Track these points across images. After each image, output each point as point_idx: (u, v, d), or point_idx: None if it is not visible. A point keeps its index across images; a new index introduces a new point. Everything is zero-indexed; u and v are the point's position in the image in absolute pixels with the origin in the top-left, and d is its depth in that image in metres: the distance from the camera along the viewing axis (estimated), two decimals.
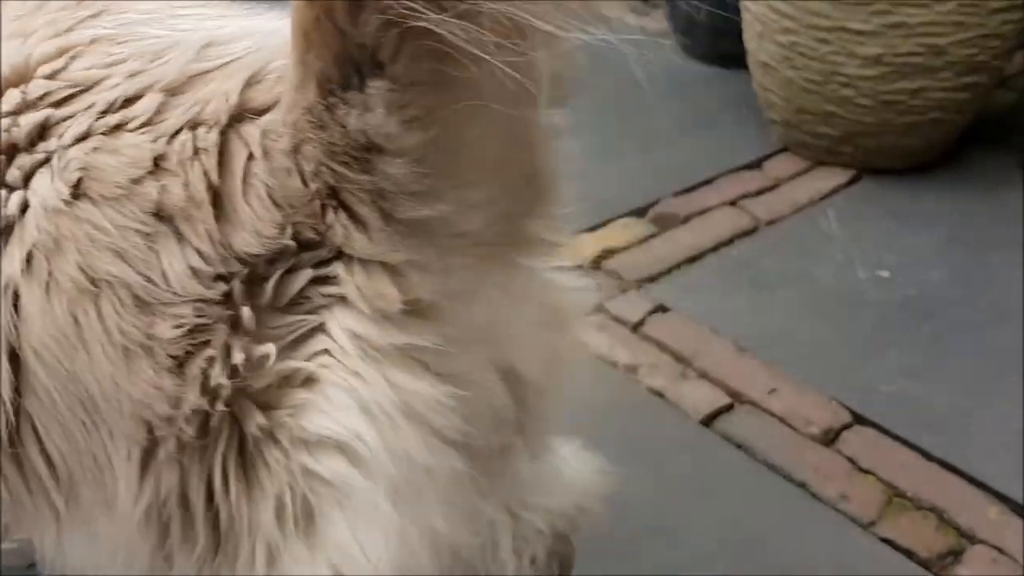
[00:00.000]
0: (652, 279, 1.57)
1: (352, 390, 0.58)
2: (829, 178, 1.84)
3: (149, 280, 0.57)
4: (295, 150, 0.56)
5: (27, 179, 0.60)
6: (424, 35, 0.52)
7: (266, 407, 0.58)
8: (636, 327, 1.46)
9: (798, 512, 1.15)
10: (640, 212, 1.75)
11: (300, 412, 0.58)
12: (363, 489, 0.59)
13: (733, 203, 1.78)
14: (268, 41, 0.63)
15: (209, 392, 0.57)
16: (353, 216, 0.57)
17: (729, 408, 1.30)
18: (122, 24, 0.66)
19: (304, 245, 0.58)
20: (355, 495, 0.59)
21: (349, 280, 0.58)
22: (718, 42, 2.26)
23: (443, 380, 0.60)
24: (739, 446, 1.24)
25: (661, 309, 1.49)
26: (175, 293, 0.57)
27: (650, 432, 1.26)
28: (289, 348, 0.58)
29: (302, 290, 0.58)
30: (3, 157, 0.61)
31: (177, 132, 0.59)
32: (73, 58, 0.63)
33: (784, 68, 1.82)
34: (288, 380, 0.58)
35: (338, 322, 0.58)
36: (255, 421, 0.58)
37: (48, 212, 0.58)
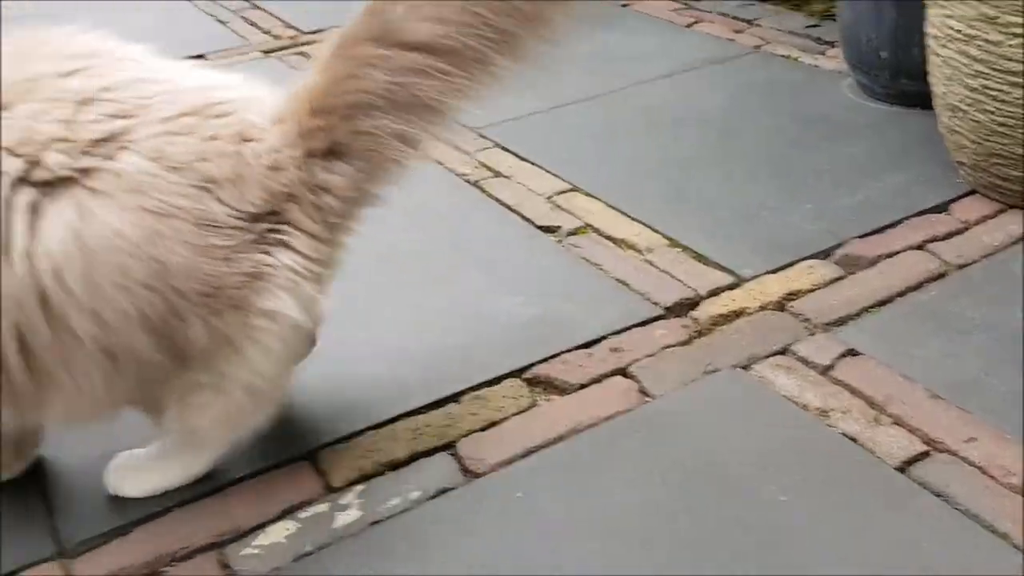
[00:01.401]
0: (840, 322, 1.59)
1: (285, 288, 1.11)
2: (1021, 222, 1.81)
3: (203, 212, 1.04)
4: (275, 168, 1.10)
5: (111, 157, 1.02)
6: (383, 152, 1.13)
7: (242, 287, 1.08)
8: (826, 371, 1.49)
9: (1001, 564, 1.16)
10: (825, 254, 1.77)
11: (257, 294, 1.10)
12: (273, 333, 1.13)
13: (920, 247, 1.77)
14: (250, 93, 1.16)
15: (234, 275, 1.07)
16: (302, 210, 1.12)
17: (925, 455, 1.32)
18: (146, 70, 1.14)
19: (274, 213, 1.10)
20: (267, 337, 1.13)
21: (293, 235, 1.11)
22: (898, 81, 2.26)
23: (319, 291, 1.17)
24: (938, 494, 1.25)
25: (851, 353, 1.52)
26: (217, 221, 1.05)
27: (844, 476, 1.29)
28: (259, 260, 1.09)
29: (267, 232, 1.10)
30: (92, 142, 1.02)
31: (211, 139, 1.07)
32: (119, 90, 1.07)
33: (974, 111, 1.81)
34: (254, 276, 1.09)
35: (280, 255, 1.10)
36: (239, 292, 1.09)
37: (139, 171, 1.02)
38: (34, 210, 1.00)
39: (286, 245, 1.11)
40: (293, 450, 1.38)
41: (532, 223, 1.95)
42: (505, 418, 1.44)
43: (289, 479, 1.34)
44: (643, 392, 1.48)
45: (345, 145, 1.12)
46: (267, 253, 1.10)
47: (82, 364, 1.07)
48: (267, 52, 3.01)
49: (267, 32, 3.18)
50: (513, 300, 1.70)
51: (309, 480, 1.34)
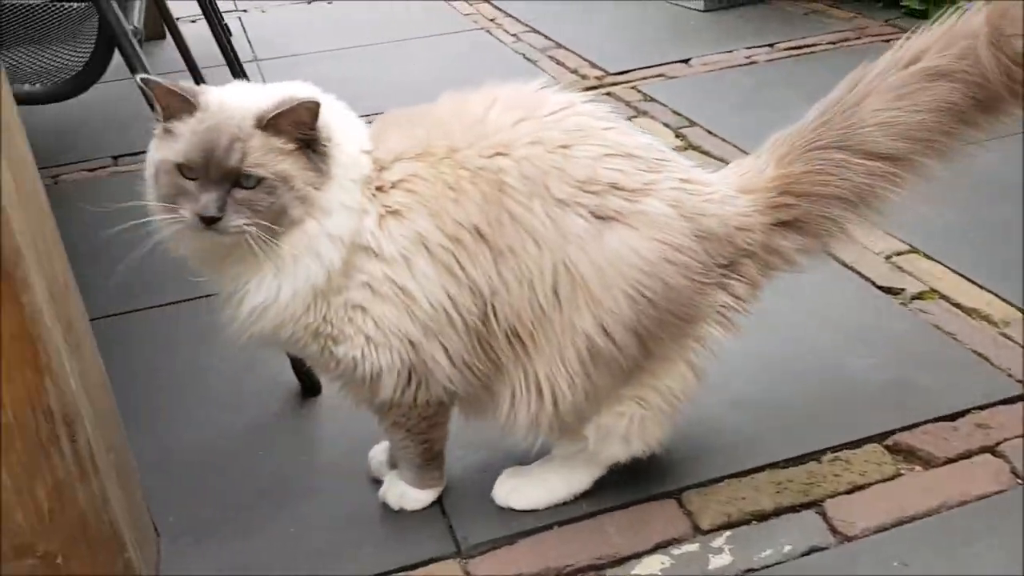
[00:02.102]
0: None
1: (719, 322, 1.35)
2: None
3: (697, 254, 1.26)
4: (744, 229, 1.30)
5: (640, 200, 1.25)
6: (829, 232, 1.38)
7: (699, 318, 1.32)
8: None
9: None
10: None
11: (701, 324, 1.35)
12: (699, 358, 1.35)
13: None
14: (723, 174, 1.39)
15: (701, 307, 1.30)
16: (754, 264, 1.33)
17: None
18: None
19: (732, 264, 1.32)
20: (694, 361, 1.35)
21: (738, 282, 1.34)
22: None
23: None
24: None
25: None
26: (703, 263, 1.27)
27: None
28: (715, 298, 1.32)
29: (722, 277, 1.31)
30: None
31: (706, 200, 1.29)
32: (643, 150, 1.29)
33: None
34: (709, 310, 1.33)
35: (725, 296, 1.33)
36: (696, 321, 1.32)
37: (661, 214, 1.24)
38: (595, 234, 1.22)
39: (730, 289, 1.32)
40: (659, 487, 1.44)
41: (872, 283, 1.93)
42: (869, 483, 1.43)
43: (657, 514, 1.40)
44: (1015, 474, 1.42)
45: (804, 223, 1.34)
46: (720, 293, 1.31)
47: (563, 362, 1.25)
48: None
49: (574, 71, 3.33)
50: (864, 362, 1.69)
51: (676, 518, 1.40)
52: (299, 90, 1.21)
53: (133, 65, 1.49)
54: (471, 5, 4.28)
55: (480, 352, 1.26)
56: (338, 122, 1.22)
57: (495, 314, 1.23)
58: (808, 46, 3.34)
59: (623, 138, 1.28)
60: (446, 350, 1.24)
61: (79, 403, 1.09)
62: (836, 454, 1.49)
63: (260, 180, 1.14)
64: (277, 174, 1.14)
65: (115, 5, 1.44)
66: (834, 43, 3.35)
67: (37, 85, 1.60)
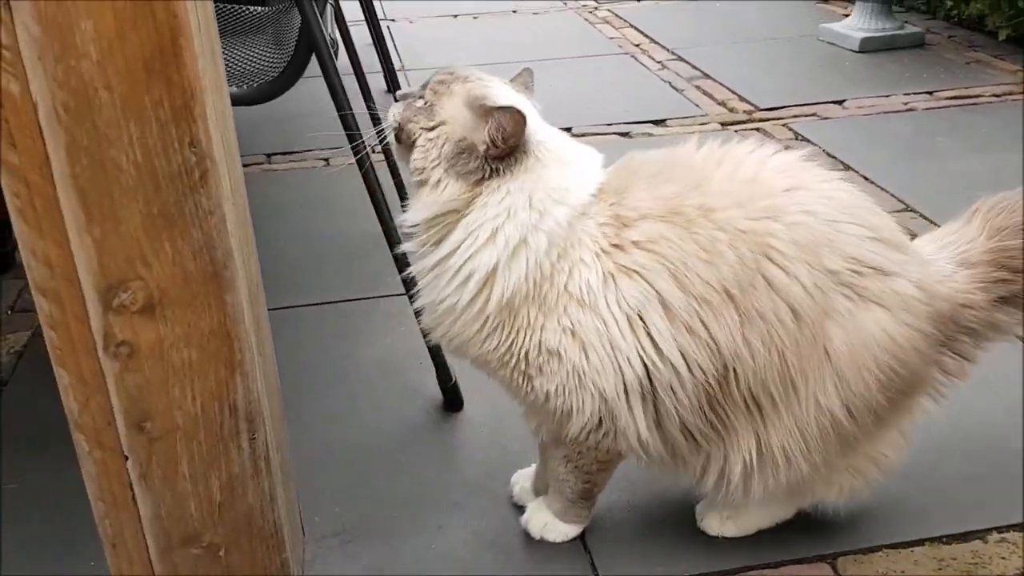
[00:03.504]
0: None
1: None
2: None
3: (935, 336, 1.26)
4: (967, 307, 1.29)
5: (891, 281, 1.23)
6: None
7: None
8: None
9: None
10: None
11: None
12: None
13: None
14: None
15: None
16: (971, 339, 1.33)
17: None
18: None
19: (949, 339, 1.31)
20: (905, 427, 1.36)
21: (952, 357, 1.33)
22: None
23: None
24: None
25: None
26: (931, 343, 1.26)
27: None
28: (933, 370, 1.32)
29: (940, 349, 1.30)
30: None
31: (939, 282, 1.27)
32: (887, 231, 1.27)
33: None
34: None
35: (947, 365, 1.34)
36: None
37: (911, 296, 1.23)
38: (854, 312, 1.21)
39: (944, 367, 1.32)
40: (814, 548, 1.39)
41: None
42: None
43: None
44: None
45: (1018, 297, 1.32)
46: (938, 363, 1.31)
47: (803, 435, 1.22)
48: (724, 124, 3.11)
49: (722, 104, 3.28)
50: None
51: None
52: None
53: (327, 69, 1.53)
54: (617, 30, 4.27)
55: (705, 412, 1.22)
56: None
57: (736, 377, 1.20)
58: (971, 96, 3.20)
59: (879, 219, 1.26)
60: (659, 409, 1.21)
61: (261, 402, 1.11)
62: (1003, 535, 1.41)
63: None
64: None
65: (317, 10, 1.48)
66: (998, 95, 3.20)
67: (244, 87, 1.66)
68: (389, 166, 2.18)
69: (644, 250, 1.18)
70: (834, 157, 2.75)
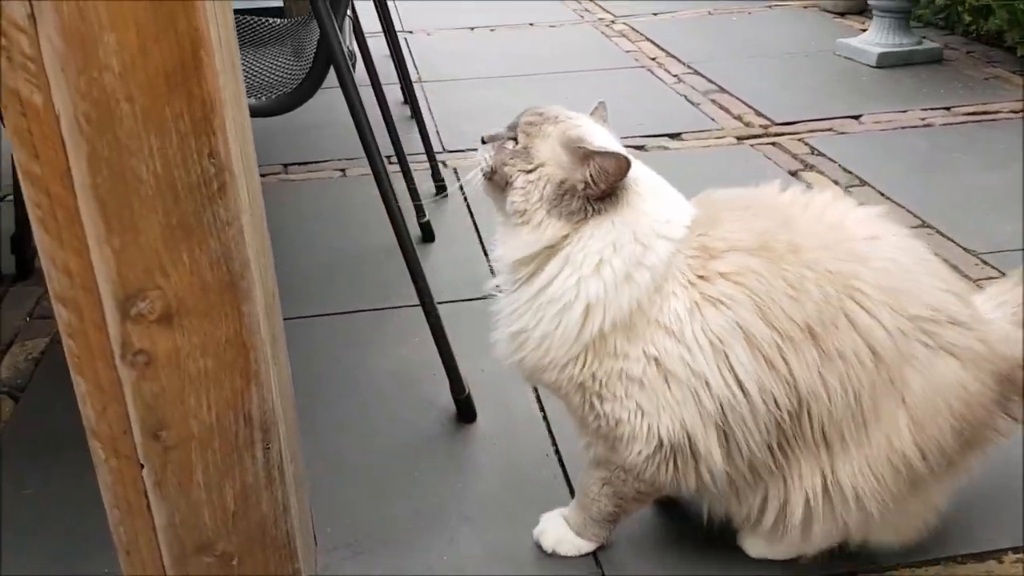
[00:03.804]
0: None
1: None
2: None
3: (986, 388, 1.24)
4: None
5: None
6: None
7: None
8: None
9: None
10: None
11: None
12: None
13: None
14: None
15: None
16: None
17: None
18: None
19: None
20: None
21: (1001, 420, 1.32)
22: None
23: None
24: None
25: None
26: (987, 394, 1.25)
27: None
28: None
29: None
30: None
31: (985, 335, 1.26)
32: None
33: None
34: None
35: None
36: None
37: (971, 346, 1.24)
38: (931, 359, 1.22)
39: (996, 425, 1.30)
40: (830, 567, 1.38)
41: None
42: None
43: None
44: None
45: None
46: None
47: (873, 473, 1.22)
48: (740, 139, 3.10)
49: (738, 118, 3.28)
50: None
51: None
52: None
53: (345, 80, 1.55)
54: (633, 43, 4.28)
55: (772, 447, 1.22)
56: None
57: (810, 415, 1.20)
58: (989, 113, 3.19)
59: (949, 274, 1.29)
60: (729, 440, 1.22)
61: (276, 412, 1.12)
62: (1019, 555, 1.40)
63: None
64: None
65: (335, 23, 1.49)
66: (1016, 112, 3.19)
67: (263, 98, 1.67)
68: (404, 176, 2.19)
69: (731, 281, 1.19)
70: (850, 172, 2.75)
